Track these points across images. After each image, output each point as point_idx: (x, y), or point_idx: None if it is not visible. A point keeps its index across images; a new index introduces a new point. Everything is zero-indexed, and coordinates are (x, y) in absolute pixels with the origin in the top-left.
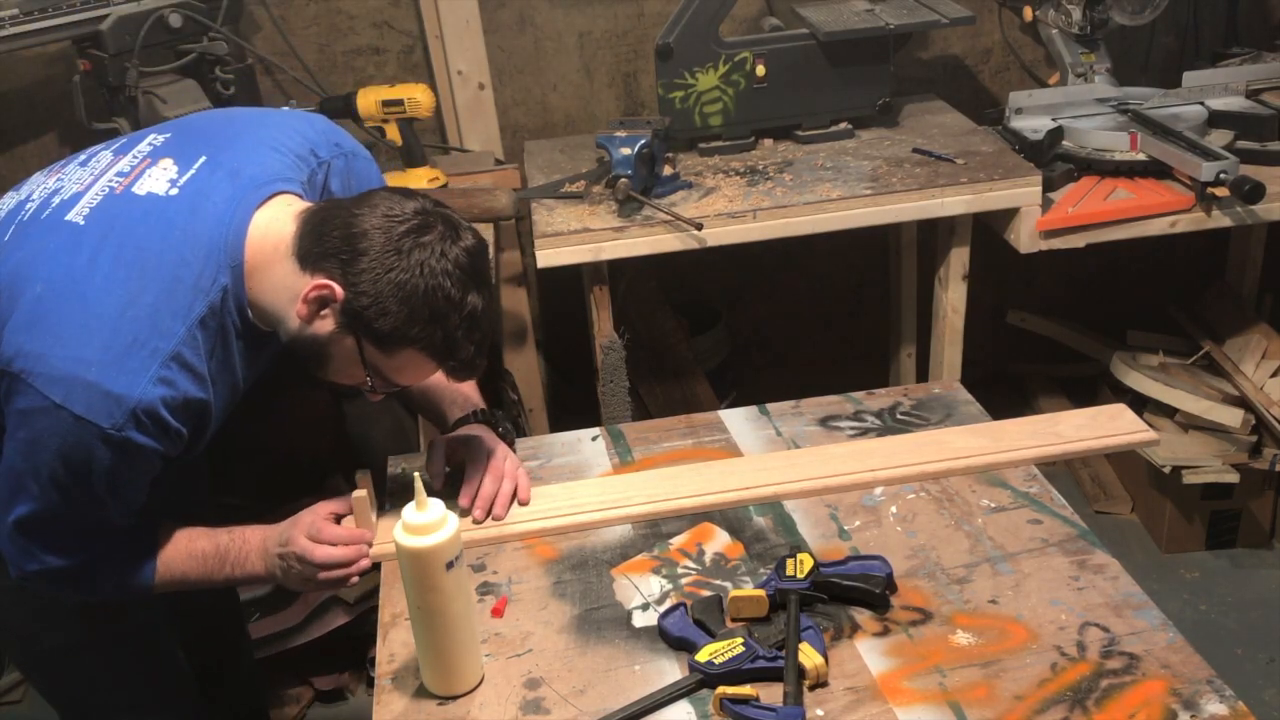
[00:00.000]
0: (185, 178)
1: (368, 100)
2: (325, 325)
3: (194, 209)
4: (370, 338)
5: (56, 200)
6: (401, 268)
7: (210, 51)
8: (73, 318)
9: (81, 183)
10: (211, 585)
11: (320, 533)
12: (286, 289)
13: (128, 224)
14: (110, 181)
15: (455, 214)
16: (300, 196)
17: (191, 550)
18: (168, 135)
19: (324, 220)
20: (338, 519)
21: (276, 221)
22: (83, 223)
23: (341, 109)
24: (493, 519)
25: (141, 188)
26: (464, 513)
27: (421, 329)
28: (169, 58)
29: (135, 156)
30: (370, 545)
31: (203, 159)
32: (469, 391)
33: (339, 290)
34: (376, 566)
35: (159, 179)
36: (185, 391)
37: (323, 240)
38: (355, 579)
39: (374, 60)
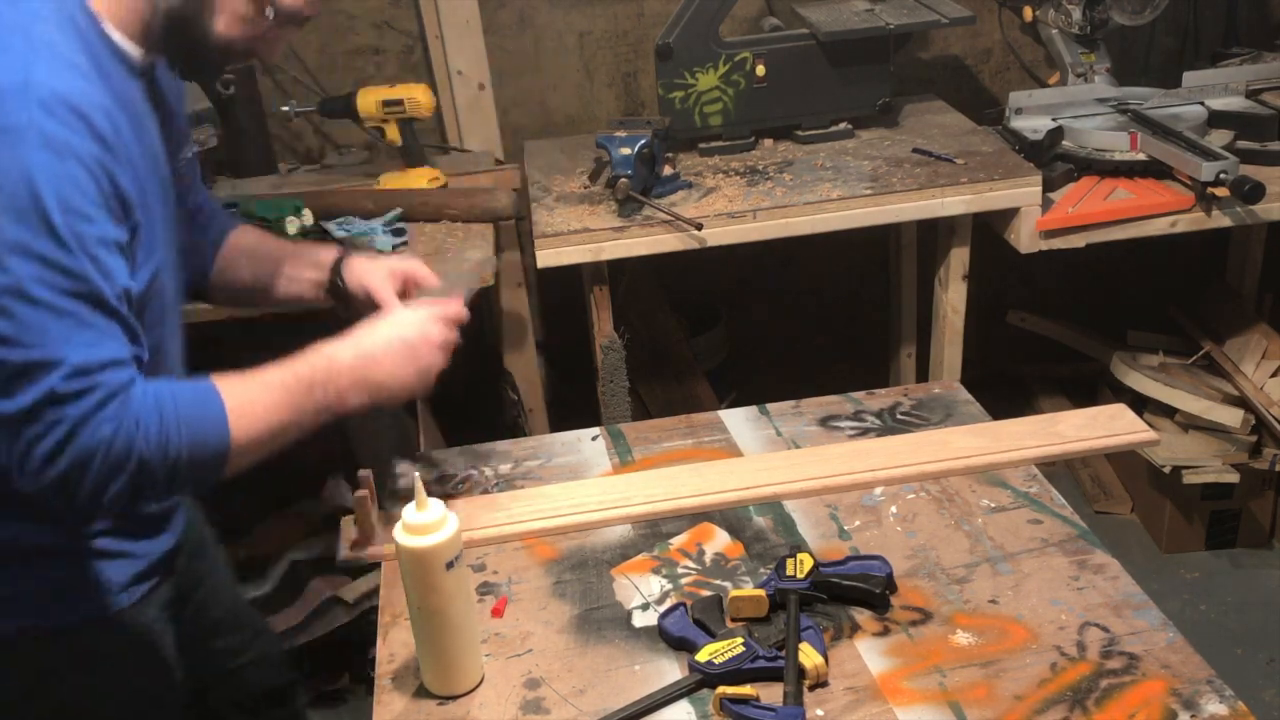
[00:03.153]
0: None
1: (368, 100)
2: None
3: None
4: None
5: None
6: None
7: None
8: None
9: None
10: (299, 433)
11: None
12: None
13: None
14: None
15: None
16: None
17: (268, 382)
18: None
19: None
20: None
21: None
22: None
23: (341, 109)
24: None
25: None
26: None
27: None
28: None
29: None
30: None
31: None
32: (299, 247)
33: None
34: (377, 566)
35: None
36: (74, 84)
37: None
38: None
39: (374, 60)
